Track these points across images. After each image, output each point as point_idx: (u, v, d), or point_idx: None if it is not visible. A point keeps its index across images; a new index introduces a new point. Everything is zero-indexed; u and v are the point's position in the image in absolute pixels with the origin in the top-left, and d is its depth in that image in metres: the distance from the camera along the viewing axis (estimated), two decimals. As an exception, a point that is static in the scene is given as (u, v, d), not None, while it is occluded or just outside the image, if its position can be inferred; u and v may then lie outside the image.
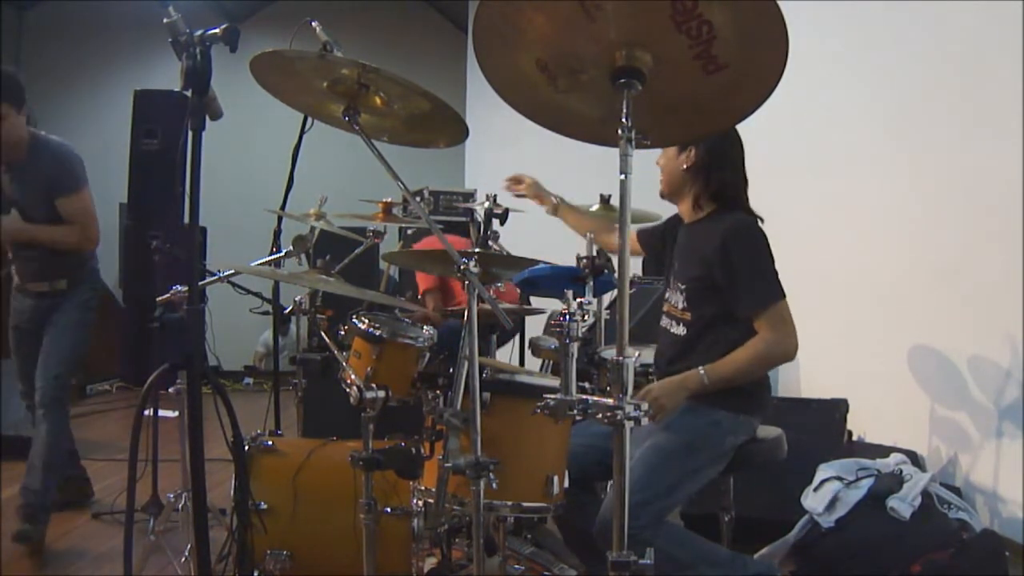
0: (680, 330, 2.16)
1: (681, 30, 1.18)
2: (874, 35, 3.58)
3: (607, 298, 3.44)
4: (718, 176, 2.17)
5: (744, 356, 1.99)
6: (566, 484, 1.94)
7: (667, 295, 2.27)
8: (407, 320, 2.18)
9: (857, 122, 3.68)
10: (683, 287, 2.16)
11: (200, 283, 2.40)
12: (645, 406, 1.24)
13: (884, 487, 2.43)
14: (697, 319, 2.11)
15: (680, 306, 2.17)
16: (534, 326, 4.52)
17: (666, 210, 2.79)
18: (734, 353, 2.00)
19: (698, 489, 2.06)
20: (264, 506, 2.08)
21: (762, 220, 2.16)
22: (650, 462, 1.97)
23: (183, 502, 2.72)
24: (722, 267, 2.03)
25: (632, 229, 2.35)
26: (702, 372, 1.97)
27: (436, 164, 5.98)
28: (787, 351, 2.02)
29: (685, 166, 2.17)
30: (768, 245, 2.07)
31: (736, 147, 2.20)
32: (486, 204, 2.11)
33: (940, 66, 3.15)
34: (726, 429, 2.06)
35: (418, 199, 2.81)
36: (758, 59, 1.23)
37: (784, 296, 2.02)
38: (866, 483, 2.46)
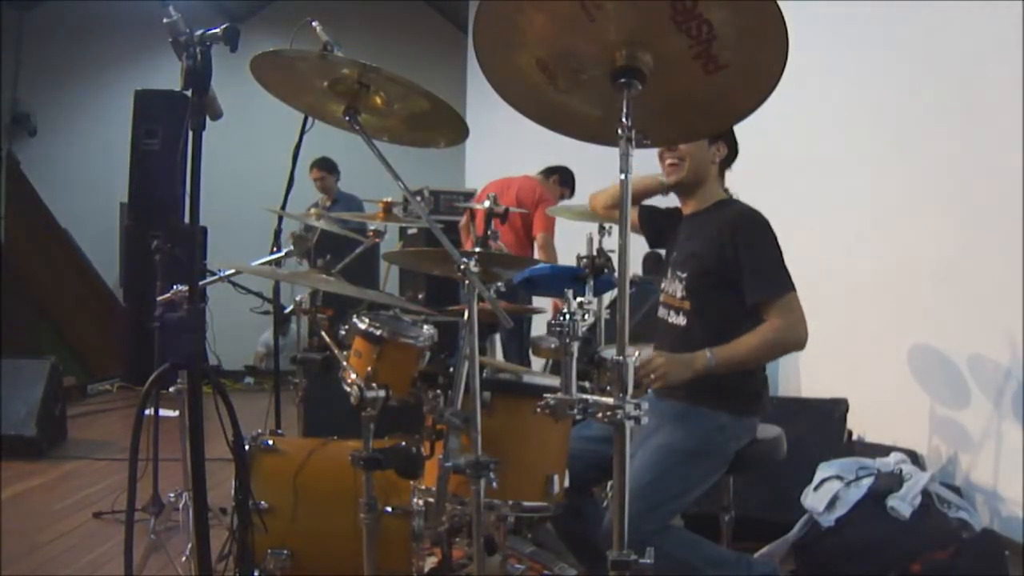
0: (680, 320, 2.14)
1: (681, 30, 1.18)
2: (874, 34, 3.58)
3: (607, 297, 3.45)
4: (729, 166, 2.23)
5: (752, 341, 1.96)
6: (566, 484, 1.95)
7: (664, 285, 2.25)
8: (408, 319, 2.18)
9: (857, 121, 3.68)
10: (683, 275, 2.14)
11: (201, 283, 2.41)
12: (644, 406, 1.24)
13: (884, 486, 2.43)
14: (697, 308, 2.10)
15: (679, 295, 2.15)
16: (539, 325, 4.52)
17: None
18: (742, 338, 1.96)
19: (702, 492, 2.05)
20: (264, 505, 2.08)
21: None
22: (655, 468, 1.95)
23: (183, 501, 2.73)
24: (732, 251, 2.02)
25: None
26: (709, 354, 1.94)
27: (436, 164, 5.97)
28: (798, 339, 1.99)
29: (717, 159, 2.18)
30: (776, 236, 2.06)
31: None
32: (486, 204, 2.11)
33: (940, 66, 3.15)
34: (729, 433, 2.04)
35: (418, 199, 2.81)
36: (758, 59, 1.23)
37: (794, 288, 2.01)
38: (866, 482, 2.46)
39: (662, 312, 2.24)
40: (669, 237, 2.31)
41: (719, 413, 2.02)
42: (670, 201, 2.35)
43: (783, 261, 2.04)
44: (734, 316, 2.04)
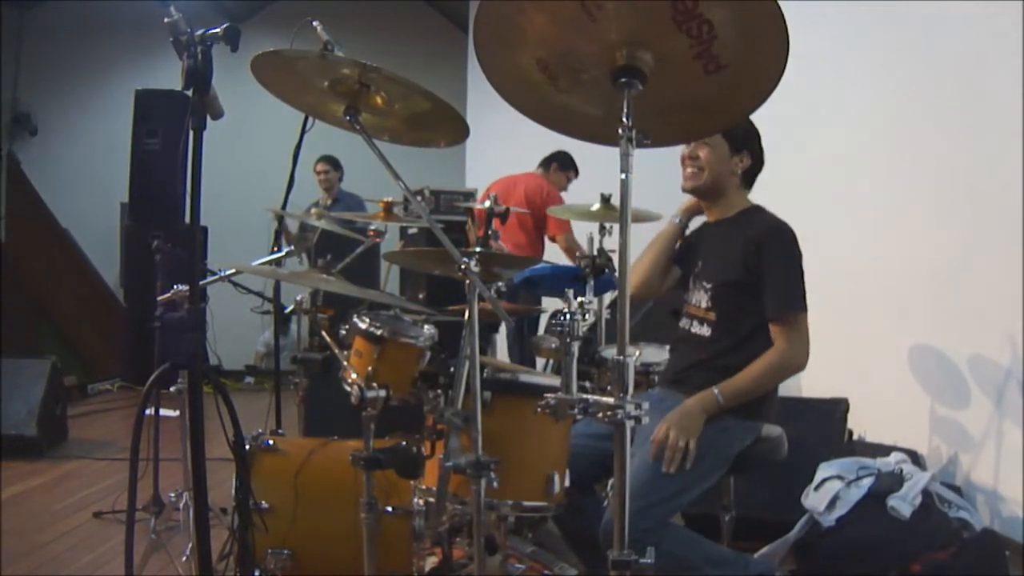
0: (705, 331, 2.12)
1: (682, 30, 1.18)
2: (874, 34, 3.58)
3: (608, 297, 3.45)
4: (755, 178, 2.20)
5: (756, 370, 1.99)
6: (567, 483, 1.94)
7: (687, 296, 2.22)
8: (408, 319, 2.18)
9: (857, 121, 3.68)
10: (708, 286, 2.12)
11: (201, 282, 2.41)
12: (645, 406, 1.24)
13: (884, 486, 2.43)
14: (722, 318, 2.08)
15: (704, 305, 2.12)
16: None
17: (668, 210, 2.79)
18: (747, 368, 1.99)
19: (702, 492, 2.05)
20: (265, 505, 2.08)
21: None
22: (654, 467, 1.95)
23: (184, 501, 2.73)
24: (756, 262, 2.01)
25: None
26: (716, 391, 1.97)
27: (436, 163, 5.98)
28: (799, 364, 2.02)
29: (739, 170, 2.15)
30: (800, 253, 2.05)
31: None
32: (487, 203, 2.11)
33: (940, 66, 3.15)
34: (733, 436, 2.04)
35: (419, 198, 2.81)
36: (758, 59, 1.23)
37: (806, 309, 2.01)
38: (866, 482, 2.46)
39: (684, 323, 2.21)
40: (690, 255, 2.27)
41: (724, 416, 2.01)
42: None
43: (801, 279, 2.03)
44: (759, 326, 2.04)
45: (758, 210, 2.17)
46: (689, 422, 1.94)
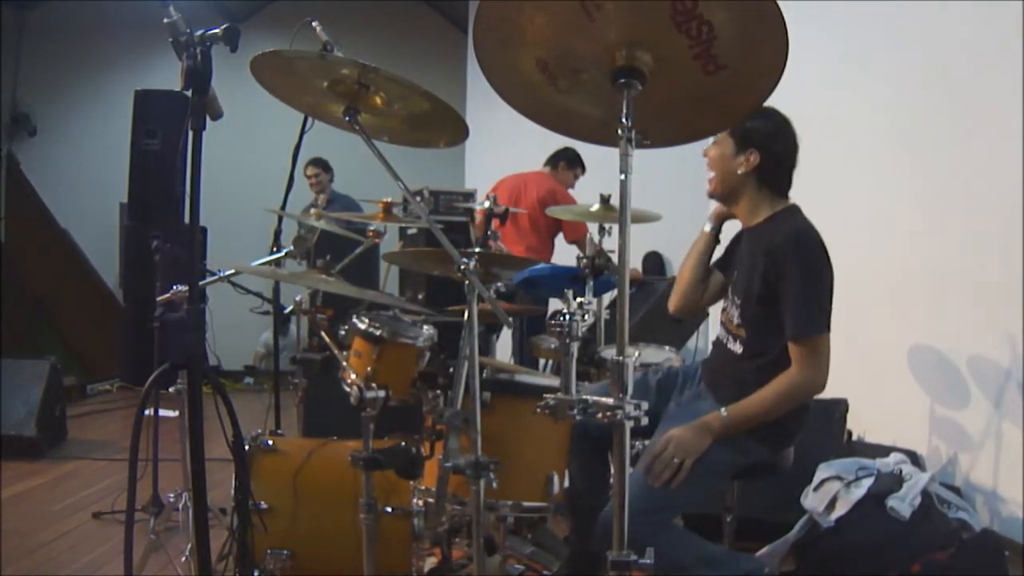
0: (737, 347, 2.03)
1: (681, 30, 1.18)
2: (874, 35, 3.58)
3: (607, 298, 3.45)
4: (783, 179, 2.05)
5: (769, 394, 1.89)
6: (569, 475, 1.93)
7: (724, 304, 2.13)
8: (407, 320, 2.18)
9: (857, 122, 3.68)
10: (738, 301, 2.02)
11: (200, 283, 2.41)
12: (644, 405, 1.24)
13: (884, 487, 2.43)
14: (752, 338, 1.99)
15: (736, 321, 2.03)
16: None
17: (668, 210, 2.79)
18: (760, 391, 1.89)
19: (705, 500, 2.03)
20: (264, 506, 2.08)
21: None
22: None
23: (183, 502, 2.73)
24: (774, 278, 1.89)
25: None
26: (724, 413, 1.89)
27: (436, 164, 5.97)
28: (814, 389, 1.92)
29: (742, 171, 2.00)
30: (827, 264, 1.95)
31: (794, 143, 2.05)
32: (486, 204, 2.11)
33: (940, 66, 3.15)
34: (752, 459, 1.99)
35: (418, 199, 2.81)
36: (758, 59, 1.23)
37: (828, 329, 1.91)
38: (866, 483, 2.46)
39: (721, 332, 2.13)
40: (730, 263, 2.18)
41: (751, 443, 1.94)
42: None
43: (821, 294, 1.92)
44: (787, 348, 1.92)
45: (785, 214, 2.01)
46: (690, 445, 1.85)
